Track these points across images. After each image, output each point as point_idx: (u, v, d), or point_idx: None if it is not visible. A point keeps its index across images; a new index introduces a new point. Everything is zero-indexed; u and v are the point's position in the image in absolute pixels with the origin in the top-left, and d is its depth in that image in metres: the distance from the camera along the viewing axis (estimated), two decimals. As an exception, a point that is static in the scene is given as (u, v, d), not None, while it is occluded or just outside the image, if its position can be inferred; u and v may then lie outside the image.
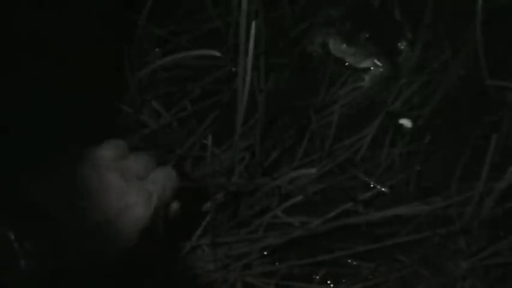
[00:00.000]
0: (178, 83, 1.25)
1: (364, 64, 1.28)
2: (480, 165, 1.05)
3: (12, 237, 0.88)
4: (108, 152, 0.94)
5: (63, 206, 0.89)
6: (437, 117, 1.25)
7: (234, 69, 1.26)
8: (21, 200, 0.89)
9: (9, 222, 0.85)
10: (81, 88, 1.15)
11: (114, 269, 0.93)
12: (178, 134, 1.20)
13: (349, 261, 1.12)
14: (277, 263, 1.10)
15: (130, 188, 0.92)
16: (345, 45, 1.24)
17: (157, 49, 1.27)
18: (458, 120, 1.26)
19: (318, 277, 1.10)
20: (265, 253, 1.10)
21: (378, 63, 1.28)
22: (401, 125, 1.24)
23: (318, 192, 1.18)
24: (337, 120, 1.14)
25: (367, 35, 1.25)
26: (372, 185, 1.17)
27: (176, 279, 1.07)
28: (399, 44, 1.32)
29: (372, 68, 1.28)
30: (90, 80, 1.16)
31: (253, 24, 0.91)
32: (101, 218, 0.90)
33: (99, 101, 1.16)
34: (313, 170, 1.10)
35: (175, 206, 0.99)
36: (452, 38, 1.29)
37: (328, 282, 1.10)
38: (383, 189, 1.16)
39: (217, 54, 1.08)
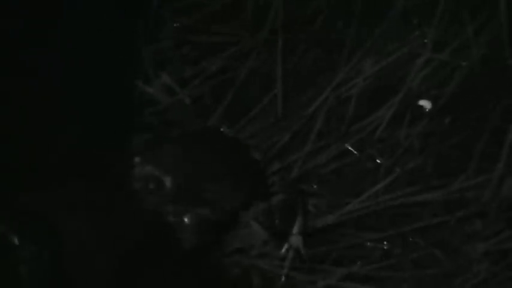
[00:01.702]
0: (193, 59, 1.22)
1: None
2: (499, 148, 1.03)
3: (17, 242, 0.89)
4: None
5: (67, 216, 0.91)
6: (458, 98, 1.22)
7: (249, 45, 1.24)
8: (25, 208, 0.90)
9: (13, 228, 0.87)
10: (96, 62, 1.14)
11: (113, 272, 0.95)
12: (191, 111, 1.19)
13: (364, 243, 1.11)
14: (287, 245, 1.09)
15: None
16: None
17: (173, 24, 1.24)
18: (478, 102, 1.23)
19: (331, 258, 1.09)
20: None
21: None
22: (421, 105, 1.22)
23: (333, 173, 1.16)
24: (356, 98, 1.13)
25: None
26: (388, 166, 1.16)
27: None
28: None
29: None
30: (104, 55, 1.14)
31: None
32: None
33: (113, 75, 1.14)
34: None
35: None
36: (474, 17, 1.25)
37: (342, 264, 1.09)
38: (400, 170, 1.14)
39: (233, 30, 1.07)
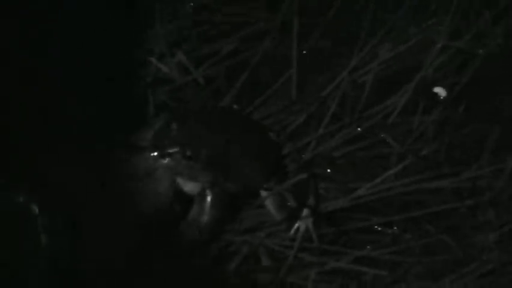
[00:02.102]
0: (209, 39, 1.22)
1: None
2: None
3: (37, 211, 0.90)
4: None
5: (85, 187, 0.93)
6: (473, 86, 1.21)
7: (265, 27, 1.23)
8: (45, 179, 0.92)
9: (33, 197, 0.89)
10: (112, 39, 1.14)
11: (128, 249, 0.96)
12: (204, 90, 1.19)
13: (375, 227, 1.10)
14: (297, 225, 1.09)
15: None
16: None
17: (191, 3, 1.23)
18: (493, 91, 1.22)
19: (341, 241, 1.09)
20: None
21: None
22: (435, 93, 1.21)
23: (345, 157, 1.16)
24: (370, 83, 1.12)
25: None
26: (401, 153, 1.15)
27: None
28: None
29: None
30: (120, 32, 1.15)
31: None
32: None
33: (129, 54, 1.15)
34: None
35: None
36: (491, 6, 1.25)
37: (352, 247, 1.09)
38: (413, 157, 1.14)
39: (250, 11, 1.07)
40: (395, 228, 1.09)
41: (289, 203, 1.05)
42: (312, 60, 1.23)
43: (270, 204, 1.05)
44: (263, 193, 1.05)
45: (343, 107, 1.18)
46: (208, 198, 1.00)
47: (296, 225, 1.05)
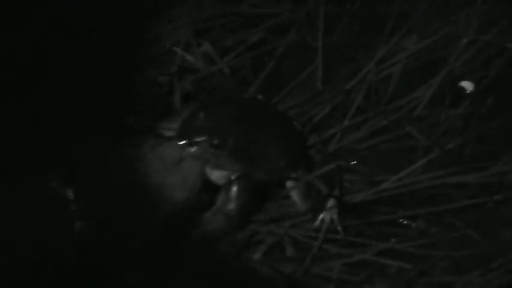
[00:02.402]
0: (235, 29, 1.22)
1: None
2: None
3: (72, 196, 0.91)
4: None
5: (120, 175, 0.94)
6: (500, 80, 1.20)
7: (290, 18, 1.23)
8: (78, 167, 0.93)
9: (68, 184, 0.91)
10: (138, 29, 1.14)
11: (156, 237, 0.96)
12: (230, 80, 1.18)
13: (400, 220, 1.09)
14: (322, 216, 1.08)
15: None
16: None
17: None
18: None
19: (366, 234, 1.08)
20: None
21: None
22: (462, 87, 1.20)
23: (370, 150, 1.15)
24: (397, 75, 1.11)
25: None
26: (427, 146, 1.14)
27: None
28: None
29: None
30: (146, 22, 1.15)
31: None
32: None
33: (155, 44, 1.15)
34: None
35: None
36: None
37: (377, 240, 1.08)
38: (439, 150, 1.13)
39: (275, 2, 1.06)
40: (421, 221, 1.08)
41: (314, 194, 1.05)
42: (337, 51, 1.22)
43: (295, 194, 1.05)
44: (289, 183, 1.05)
45: (368, 99, 1.17)
46: (235, 187, 1.00)
47: (321, 216, 1.04)
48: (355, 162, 1.12)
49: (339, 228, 1.04)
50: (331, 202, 1.05)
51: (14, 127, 0.98)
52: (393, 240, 1.06)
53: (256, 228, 1.05)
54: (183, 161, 0.99)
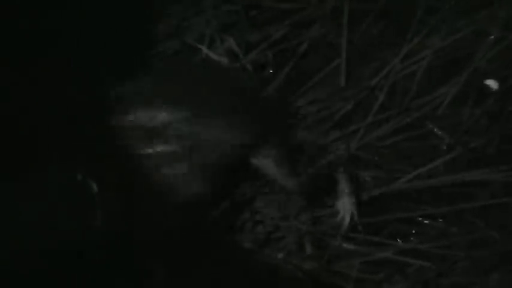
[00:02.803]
0: (259, 24, 1.22)
1: None
2: None
3: (96, 189, 0.92)
4: None
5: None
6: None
7: (315, 13, 1.22)
8: (102, 160, 0.94)
9: (92, 176, 0.92)
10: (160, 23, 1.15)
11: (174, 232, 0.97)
12: (252, 77, 1.18)
13: (420, 219, 1.09)
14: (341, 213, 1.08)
15: None
16: None
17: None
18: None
19: (386, 232, 1.08)
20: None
21: None
22: (487, 85, 1.18)
23: (392, 147, 1.15)
24: (421, 73, 1.10)
25: None
26: (450, 144, 1.13)
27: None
28: None
29: None
30: (169, 16, 1.15)
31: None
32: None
33: (178, 37, 1.16)
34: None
35: None
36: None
37: (396, 238, 1.09)
38: (462, 148, 1.12)
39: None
40: (441, 220, 1.08)
41: (287, 161, 1.01)
42: (361, 47, 1.21)
43: (268, 165, 1.00)
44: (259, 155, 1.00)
45: (391, 96, 1.16)
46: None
47: (341, 212, 1.05)
48: (376, 158, 1.13)
49: (358, 223, 1.05)
50: (349, 197, 1.05)
51: (39, 117, 1.00)
52: (412, 239, 1.07)
53: (275, 223, 1.05)
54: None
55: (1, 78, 1.00)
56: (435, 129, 1.14)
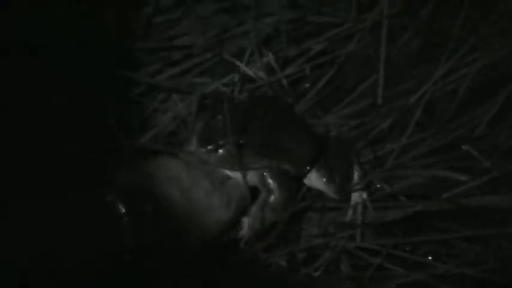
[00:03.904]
0: (298, 39, 1.20)
1: None
2: None
3: (123, 210, 0.92)
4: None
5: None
6: None
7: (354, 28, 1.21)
8: (128, 183, 0.96)
9: (120, 198, 0.92)
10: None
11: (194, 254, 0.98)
12: (288, 92, 1.17)
13: (450, 241, 1.09)
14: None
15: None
16: None
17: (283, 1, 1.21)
18: None
19: (422, 250, 1.08)
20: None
21: None
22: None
23: (426, 167, 1.14)
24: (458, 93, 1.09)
25: None
26: (485, 167, 1.12)
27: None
28: None
29: None
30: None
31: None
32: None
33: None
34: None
35: None
36: None
37: (429, 258, 1.08)
38: (498, 172, 1.11)
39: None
40: (476, 243, 1.08)
41: (337, 177, 1.07)
42: (398, 63, 1.20)
43: (319, 182, 1.06)
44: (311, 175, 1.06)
45: (428, 115, 1.16)
46: (271, 180, 1.00)
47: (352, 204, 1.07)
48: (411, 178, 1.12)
49: (370, 208, 1.07)
50: (357, 184, 1.07)
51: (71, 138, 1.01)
52: (448, 261, 1.06)
53: (312, 241, 1.05)
54: (227, 181, 1.00)
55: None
56: (471, 151, 1.13)
